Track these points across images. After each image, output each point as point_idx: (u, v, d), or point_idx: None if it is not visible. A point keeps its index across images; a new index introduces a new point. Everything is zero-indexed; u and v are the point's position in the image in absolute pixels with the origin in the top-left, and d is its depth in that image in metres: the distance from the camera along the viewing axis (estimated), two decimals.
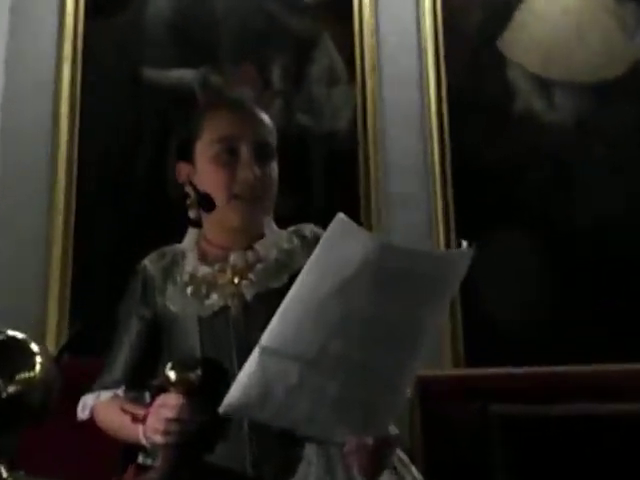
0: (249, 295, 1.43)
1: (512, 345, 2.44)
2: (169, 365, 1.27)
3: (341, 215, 1.08)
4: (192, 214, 1.51)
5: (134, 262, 1.55)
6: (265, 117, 1.51)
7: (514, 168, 2.63)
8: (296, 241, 1.51)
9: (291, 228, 1.56)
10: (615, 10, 2.72)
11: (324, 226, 1.18)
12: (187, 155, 1.50)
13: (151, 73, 2.77)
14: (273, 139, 1.50)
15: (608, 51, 2.69)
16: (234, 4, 2.81)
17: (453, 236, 2.55)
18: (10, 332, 1.22)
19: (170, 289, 1.48)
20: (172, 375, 1.26)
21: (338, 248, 1.09)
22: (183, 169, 1.51)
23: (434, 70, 2.69)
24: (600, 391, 2.19)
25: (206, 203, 1.43)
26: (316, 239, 1.44)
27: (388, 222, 2.55)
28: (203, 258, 1.49)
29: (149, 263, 1.54)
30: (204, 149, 1.47)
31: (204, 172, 1.47)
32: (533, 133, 2.64)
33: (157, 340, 1.49)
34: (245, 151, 1.43)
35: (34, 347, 1.22)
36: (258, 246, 1.48)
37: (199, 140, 1.48)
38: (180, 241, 1.56)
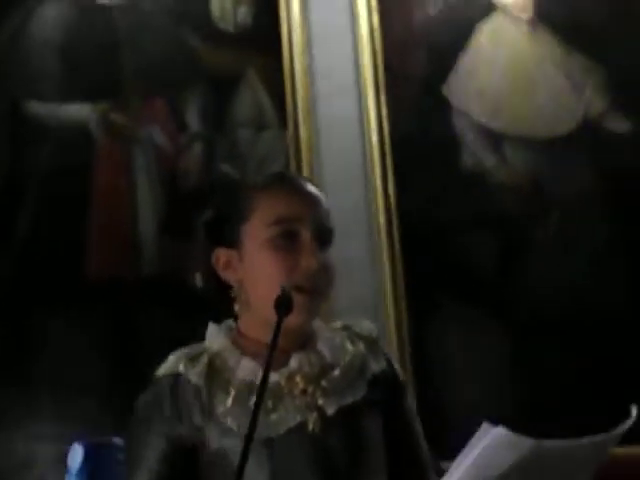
0: (330, 409, 1.28)
1: None
2: None
3: (504, 430, 0.98)
4: (237, 307, 1.37)
5: None
6: (322, 196, 1.38)
7: (464, 232, 2.55)
8: (360, 343, 1.39)
9: (337, 324, 1.43)
10: (563, 62, 2.70)
11: None
12: (227, 239, 1.37)
13: (35, 108, 2.47)
14: (332, 222, 1.36)
15: (558, 106, 2.67)
16: (140, 26, 2.56)
17: (404, 308, 2.43)
18: None
19: (221, 401, 1.28)
20: None
21: (491, 457, 0.99)
22: (222, 255, 1.36)
23: (375, 117, 2.57)
24: None
25: (287, 304, 1.20)
26: (374, 339, 1.42)
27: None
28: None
29: (184, 369, 1.32)
30: (255, 233, 1.32)
31: (256, 259, 1.32)
32: (483, 192, 2.58)
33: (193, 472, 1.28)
34: (306, 235, 1.30)
35: None
36: (321, 347, 1.36)
37: (247, 222, 1.34)
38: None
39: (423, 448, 1.41)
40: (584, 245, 2.58)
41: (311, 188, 1.39)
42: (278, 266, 1.29)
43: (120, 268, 2.39)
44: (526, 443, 0.96)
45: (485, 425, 0.99)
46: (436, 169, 2.60)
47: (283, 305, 1.17)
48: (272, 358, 1.08)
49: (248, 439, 1.01)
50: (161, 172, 2.48)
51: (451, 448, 2.22)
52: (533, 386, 2.40)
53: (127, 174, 2.47)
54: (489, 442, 0.98)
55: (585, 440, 1.00)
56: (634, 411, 1.04)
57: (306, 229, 1.31)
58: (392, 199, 2.54)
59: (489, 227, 2.58)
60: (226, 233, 1.37)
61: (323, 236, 1.34)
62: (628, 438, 1.06)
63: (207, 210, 1.48)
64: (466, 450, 1.00)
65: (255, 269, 1.33)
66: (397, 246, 2.50)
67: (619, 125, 2.69)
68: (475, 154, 2.63)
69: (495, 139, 2.65)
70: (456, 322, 2.49)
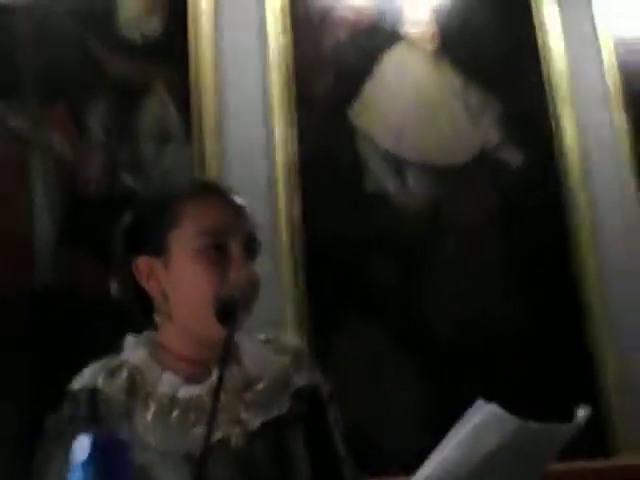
0: (253, 423, 1.27)
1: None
2: None
3: (495, 408, 1.02)
4: (158, 318, 1.33)
5: None
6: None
7: (365, 254, 2.57)
8: (286, 357, 1.39)
9: (260, 336, 1.42)
10: (462, 93, 2.81)
11: None
12: (150, 246, 1.32)
13: None
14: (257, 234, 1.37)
15: (457, 135, 2.76)
16: (43, 29, 2.45)
17: (306, 328, 2.40)
18: None
19: (141, 416, 1.25)
20: None
21: (481, 432, 1.02)
22: (143, 264, 1.33)
23: (282, 136, 2.56)
24: None
25: (232, 314, 1.20)
26: (299, 353, 1.44)
27: None
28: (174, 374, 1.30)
29: (101, 382, 1.28)
30: (184, 240, 1.30)
31: (184, 268, 1.30)
32: (386, 215, 2.62)
33: None
34: (237, 248, 1.30)
35: None
36: (245, 360, 1.34)
37: (176, 229, 1.31)
38: None
39: (347, 461, 1.41)
40: (479, 267, 2.67)
41: (239, 199, 1.38)
42: (208, 279, 1.28)
43: (13, 278, 2.26)
44: (514, 422, 0.99)
45: (479, 401, 1.01)
46: (341, 191, 2.63)
47: (231, 315, 1.14)
48: (224, 373, 1.06)
49: (201, 462, 0.98)
50: (60, 180, 2.37)
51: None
52: (437, 405, 2.45)
53: (23, 181, 2.35)
54: (482, 417, 1.01)
55: (557, 425, 1.04)
56: (582, 412, 1.09)
57: (236, 242, 1.31)
58: (296, 219, 2.54)
59: (391, 249, 2.62)
60: (150, 239, 1.34)
61: (251, 248, 1.35)
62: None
63: (125, 216, 1.42)
64: (459, 425, 1.02)
65: (183, 279, 1.30)
66: (300, 266, 2.49)
67: (513, 157, 2.80)
68: (378, 178, 2.67)
69: (397, 165, 2.70)
70: (359, 342, 2.51)
